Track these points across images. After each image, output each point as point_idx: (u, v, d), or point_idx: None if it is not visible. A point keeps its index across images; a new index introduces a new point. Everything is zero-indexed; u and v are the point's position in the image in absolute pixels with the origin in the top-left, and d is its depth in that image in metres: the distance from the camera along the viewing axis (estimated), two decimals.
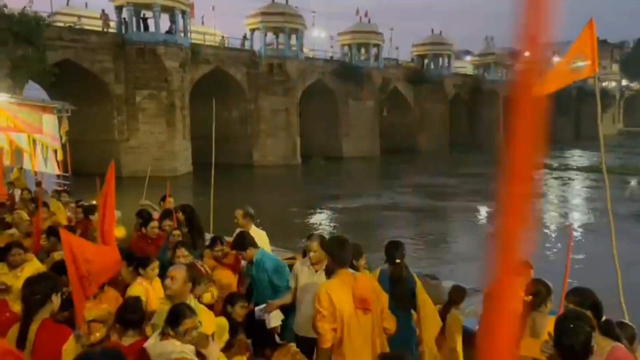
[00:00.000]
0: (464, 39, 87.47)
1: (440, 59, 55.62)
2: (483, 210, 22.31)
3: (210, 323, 3.56)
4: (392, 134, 50.71)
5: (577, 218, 20.60)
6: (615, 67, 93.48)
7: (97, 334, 3.52)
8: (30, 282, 2.92)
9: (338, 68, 45.63)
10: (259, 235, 5.79)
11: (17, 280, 4.25)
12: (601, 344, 2.64)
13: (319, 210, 21.24)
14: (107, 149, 30.88)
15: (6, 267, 4.59)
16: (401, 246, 4.64)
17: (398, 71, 52.44)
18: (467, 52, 75.84)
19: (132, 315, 3.29)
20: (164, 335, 3.01)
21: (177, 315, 3.03)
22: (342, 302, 3.52)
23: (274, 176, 34.16)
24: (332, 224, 19.08)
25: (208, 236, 7.69)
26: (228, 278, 5.14)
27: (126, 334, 3.26)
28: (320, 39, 57.56)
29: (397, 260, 4.51)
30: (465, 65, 68.79)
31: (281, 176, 34.43)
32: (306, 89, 42.70)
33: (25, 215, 6.91)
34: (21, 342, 2.67)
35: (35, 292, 2.80)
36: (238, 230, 5.61)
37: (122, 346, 3.11)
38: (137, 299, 3.55)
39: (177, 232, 5.93)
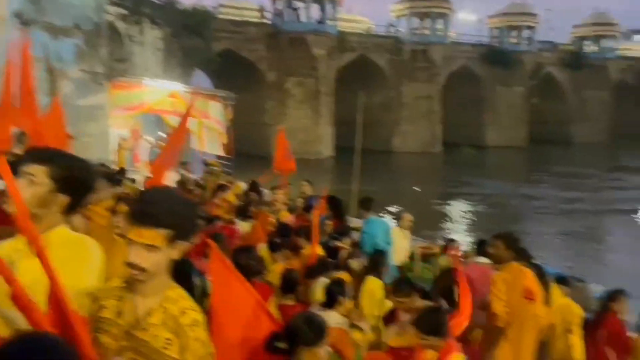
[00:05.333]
0: (634, 15, 77.43)
1: (604, 41, 50.30)
2: None
3: None
4: (543, 123, 47.32)
5: None
6: None
7: None
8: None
9: (486, 52, 43.64)
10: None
11: None
12: None
13: (459, 201, 20.94)
14: (259, 132, 33.34)
15: None
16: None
17: (553, 55, 48.54)
18: (636, 32, 67.40)
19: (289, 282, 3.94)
20: (323, 307, 3.56)
21: (336, 294, 3.57)
22: (515, 290, 3.95)
23: (413, 164, 34.11)
24: (473, 216, 18.75)
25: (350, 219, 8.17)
26: None
27: (286, 297, 3.93)
28: (469, 22, 55.43)
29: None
30: (634, 47, 61.26)
31: (421, 164, 34.26)
32: (450, 75, 41.62)
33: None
34: None
35: None
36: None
37: (282, 304, 3.78)
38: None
39: (329, 222, 6.46)
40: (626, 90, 52.44)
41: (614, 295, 4.76)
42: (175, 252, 1.55)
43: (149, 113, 14.62)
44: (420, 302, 3.74)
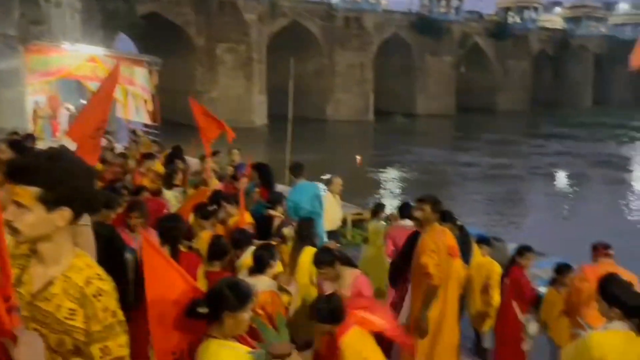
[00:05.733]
0: None
1: (527, 12, 52.44)
2: (561, 174, 21.62)
3: None
4: (470, 92, 49.05)
5: None
6: None
7: None
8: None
9: (416, 21, 44.30)
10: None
11: None
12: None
13: (390, 167, 21.41)
14: (189, 100, 32.25)
15: None
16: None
17: (479, 25, 50.10)
18: (557, 4, 70.83)
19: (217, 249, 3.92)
20: (252, 273, 3.58)
21: (266, 258, 3.59)
22: (441, 249, 4.09)
23: (346, 131, 34.43)
24: (404, 182, 19.28)
25: (280, 187, 8.12)
26: None
27: (212, 264, 3.91)
28: None
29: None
30: (553, 19, 64.42)
31: (353, 131, 34.65)
32: (382, 43, 41.98)
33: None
34: None
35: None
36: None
37: (208, 271, 3.77)
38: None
39: (258, 190, 6.38)
40: (545, 60, 55.27)
41: (520, 251, 5.14)
42: (58, 218, 1.44)
43: (68, 78, 13.79)
44: (346, 271, 3.77)
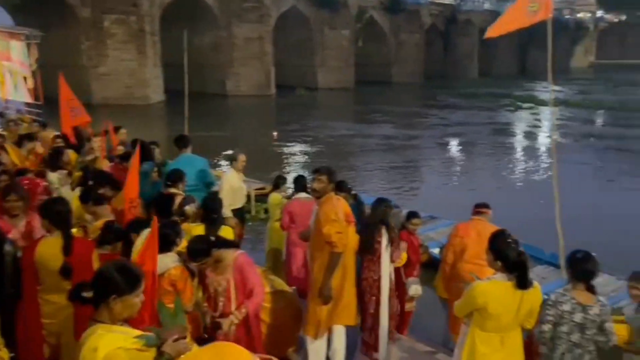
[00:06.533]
0: None
1: None
2: (458, 143, 22.95)
3: None
4: (367, 65, 50.16)
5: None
6: None
7: None
8: None
9: None
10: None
11: None
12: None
13: (293, 141, 21.51)
14: (76, 75, 30.08)
15: None
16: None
17: None
18: None
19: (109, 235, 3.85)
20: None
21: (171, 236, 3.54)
22: (340, 216, 4.24)
23: (248, 106, 33.99)
24: (306, 154, 19.48)
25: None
26: None
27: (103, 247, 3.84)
28: None
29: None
30: None
31: (255, 106, 34.28)
32: (281, 16, 41.57)
33: None
34: None
35: None
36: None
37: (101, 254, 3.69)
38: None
39: (156, 169, 6.15)
40: (435, 34, 57.86)
41: (407, 216, 5.59)
42: None
43: None
44: (225, 253, 3.75)
